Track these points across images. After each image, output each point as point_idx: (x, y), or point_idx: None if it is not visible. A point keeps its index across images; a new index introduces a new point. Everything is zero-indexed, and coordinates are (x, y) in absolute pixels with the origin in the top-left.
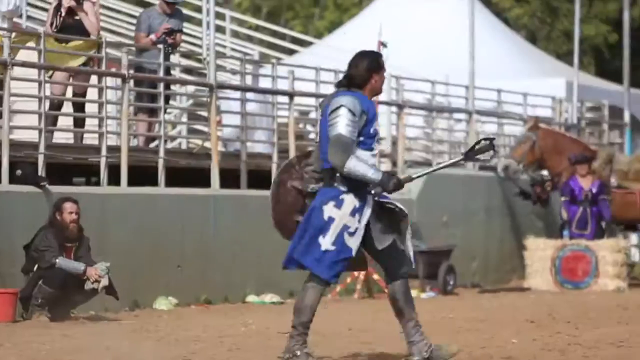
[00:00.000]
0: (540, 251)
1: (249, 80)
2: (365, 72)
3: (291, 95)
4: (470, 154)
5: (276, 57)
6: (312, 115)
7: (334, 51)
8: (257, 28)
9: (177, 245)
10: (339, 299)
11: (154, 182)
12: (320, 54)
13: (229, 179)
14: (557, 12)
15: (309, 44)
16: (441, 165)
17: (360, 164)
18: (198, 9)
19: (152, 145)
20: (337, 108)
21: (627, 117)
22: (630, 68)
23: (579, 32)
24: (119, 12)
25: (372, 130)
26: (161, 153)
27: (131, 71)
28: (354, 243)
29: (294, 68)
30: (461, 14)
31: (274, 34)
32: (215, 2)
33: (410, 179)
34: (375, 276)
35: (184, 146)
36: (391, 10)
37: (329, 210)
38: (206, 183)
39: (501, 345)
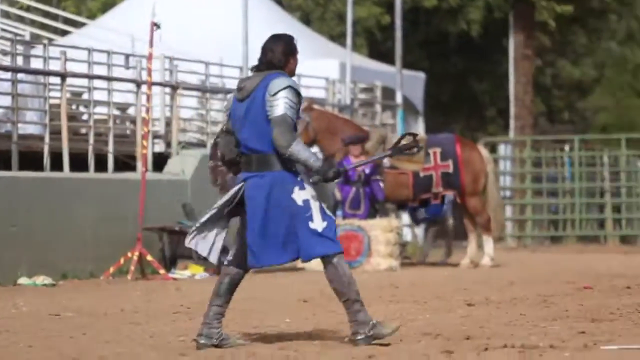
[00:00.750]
0: None
1: (20, 61)
2: (282, 55)
3: (63, 76)
4: (396, 150)
5: (48, 37)
6: (85, 96)
7: (107, 32)
8: (28, 8)
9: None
10: (112, 280)
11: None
12: (93, 35)
13: (0, 160)
14: None
15: (82, 24)
16: (370, 159)
17: (305, 149)
18: None
19: None
20: (283, 89)
21: (399, 98)
22: (403, 50)
23: (351, 14)
24: None
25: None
26: None
27: None
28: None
29: (66, 49)
30: None
31: (46, 14)
32: None
33: (345, 170)
34: (149, 257)
35: None
36: None
37: (298, 195)
38: None
39: (274, 324)
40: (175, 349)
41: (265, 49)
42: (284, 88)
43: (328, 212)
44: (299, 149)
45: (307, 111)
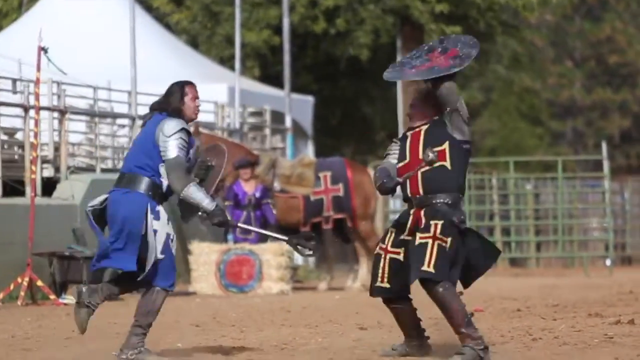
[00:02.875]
0: (205, 255)
1: None
2: (178, 101)
3: None
4: (292, 241)
5: None
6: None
7: None
8: None
9: None
10: (1, 305)
11: None
12: None
13: None
14: (219, 17)
15: None
16: (270, 235)
17: (199, 191)
18: None
19: None
20: (178, 131)
21: (288, 121)
22: (291, 73)
23: (239, 38)
24: None
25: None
26: None
27: None
28: (174, 248)
29: None
30: (122, 19)
31: None
32: None
33: (235, 224)
34: (39, 283)
35: None
36: (52, 14)
37: (150, 222)
38: None
39: (166, 349)
40: None
41: (166, 92)
42: (179, 130)
43: (173, 250)
44: (193, 191)
45: (195, 135)
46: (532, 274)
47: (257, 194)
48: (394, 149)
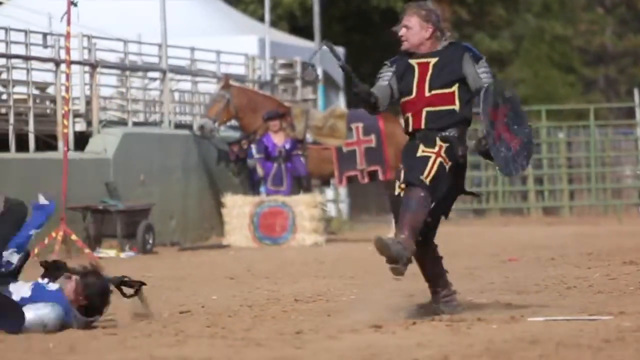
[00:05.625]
0: (238, 208)
1: None
2: None
3: None
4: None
5: None
6: (3, 75)
7: (24, 11)
8: None
9: None
10: (36, 259)
11: None
12: (10, 14)
13: None
14: None
15: None
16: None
17: None
18: None
19: None
20: None
21: (319, 73)
22: (321, 25)
23: None
24: None
25: None
26: None
27: None
28: None
29: None
30: None
31: None
32: None
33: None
34: (74, 237)
35: None
36: None
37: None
38: None
39: (201, 302)
40: (104, 327)
41: None
42: None
43: None
44: None
45: (226, 88)
46: (566, 223)
47: (287, 146)
48: (386, 73)
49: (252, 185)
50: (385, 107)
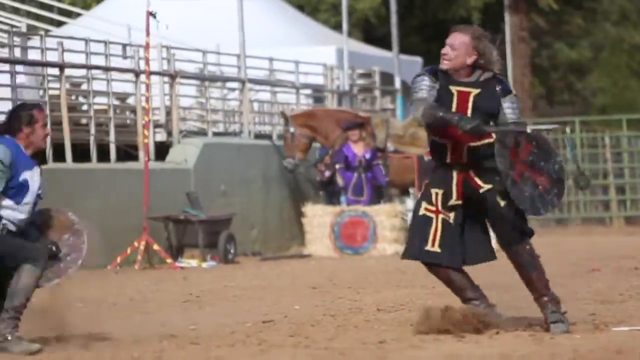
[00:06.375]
0: (318, 218)
1: (17, 52)
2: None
3: (61, 67)
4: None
5: (44, 29)
6: (84, 86)
7: (104, 22)
8: (23, 0)
9: None
10: (119, 270)
11: None
12: (89, 25)
13: None
14: None
15: (78, 15)
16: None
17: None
18: None
19: None
20: None
21: (397, 83)
22: (399, 35)
23: (346, 2)
24: None
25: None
26: None
27: None
28: None
29: (63, 40)
30: None
31: (41, 5)
32: None
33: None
34: (156, 246)
35: None
36: None
37: None
38: None
39: (284, 311)
40: (187, 337)
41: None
42: None
43: None
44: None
45: (286, 123)
46: None
47: (367, 156)
48: (426, 86)
49: (332, 195)
50: None
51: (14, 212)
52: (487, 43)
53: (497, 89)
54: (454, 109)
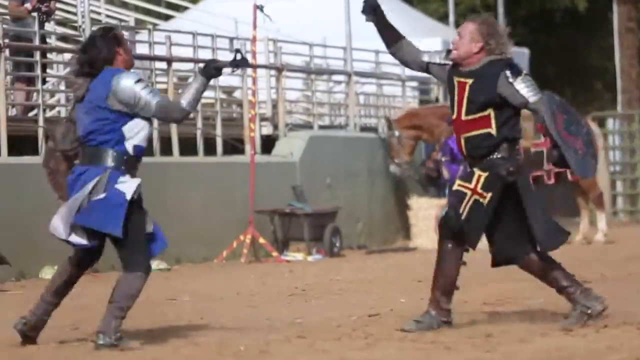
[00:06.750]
0: (424, 210)
1: None
2: (108, 52)
3: (169, 61)
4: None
5: (152, 23)
6: (191, 80)
7: (210, 16)
8: None
9: None
10: (225, 263)
11: (34, 152)
12: (197, 19)
13: None
14: None
15: (185, 9)
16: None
17: (188, 94)
18: None
19: (31, 114)
20: (137, 82)
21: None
22: (505, 25)
23: None
24: None
25: None
26: (40, 122)
27: (6, 40)
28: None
29: (170, 34)
30: None
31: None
32: None
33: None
34: (262, 240)
35: (63, 114)
36: None
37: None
38: None
39: (390, 305)
40: (294, 330)
41: (87, 48)
42: (138, 81)
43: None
44: (188, 105)
45: (390, 128)
46: None
47: None
48: (438, 55)
49: (438, 188)
50: (401, 54)
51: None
52: (496, 28)
53: (501, 74)
54: (455, 100)
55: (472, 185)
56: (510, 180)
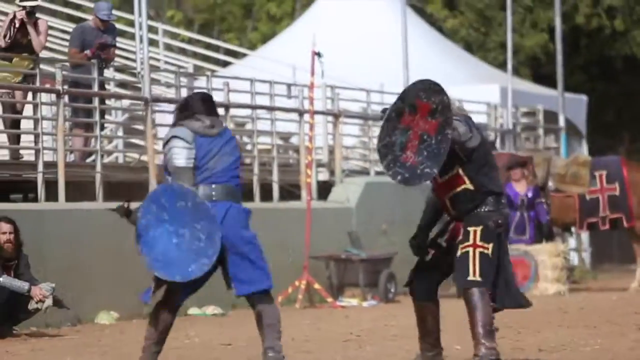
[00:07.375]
0: None
1: (184, 93)
2: None
3: (227, 107)
4: None
5: (210, 69)
6: (249, 126)
7: (268, 62)
8: (190, 41)
9: (116, 259)
10: (280, 308)
11: (91, 197)
12: (255, 65)
13: None
14: (492, 22)
15: (243, 55)
16: None
17: None
18: (131, 23)
19: (89, 160)
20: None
21: (562, 121)
22: (564, 73)
23: (511, 38)
24: (51, 27)
25: None
26: (98, 167)
27: (66, 86)
28: None
29: (228, 80)
30: (394, 22)
31: (208, 46)
32: (147, 15)
33: None
34: (317, 285)
35: (120, 160)
36: (324, 20)
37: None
38: (145, 197)
39: (445, 352)
40: None
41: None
42: None
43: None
44: None
45: None
46: None
47: (530, 194)
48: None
49: None
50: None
51: None
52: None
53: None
54: None
55: (471, 242)
56: (499, 232)
